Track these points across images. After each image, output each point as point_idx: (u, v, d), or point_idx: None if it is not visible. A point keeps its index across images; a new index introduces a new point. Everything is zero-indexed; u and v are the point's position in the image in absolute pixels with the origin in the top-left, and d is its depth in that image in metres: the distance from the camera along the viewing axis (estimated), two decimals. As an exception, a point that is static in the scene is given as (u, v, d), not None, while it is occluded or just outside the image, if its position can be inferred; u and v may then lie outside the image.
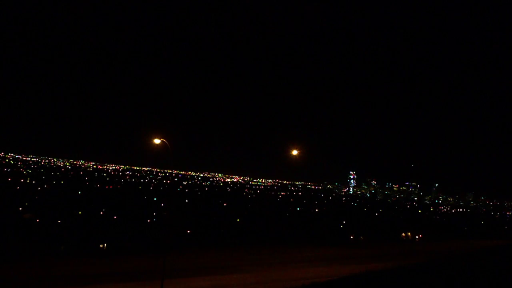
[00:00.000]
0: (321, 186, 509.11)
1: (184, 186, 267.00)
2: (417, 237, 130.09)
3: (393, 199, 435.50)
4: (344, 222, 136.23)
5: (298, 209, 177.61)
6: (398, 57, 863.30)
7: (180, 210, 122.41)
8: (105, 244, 74.08)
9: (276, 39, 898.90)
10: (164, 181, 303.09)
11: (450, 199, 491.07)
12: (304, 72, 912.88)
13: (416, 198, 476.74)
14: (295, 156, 40.53)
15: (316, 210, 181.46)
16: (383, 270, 31.91)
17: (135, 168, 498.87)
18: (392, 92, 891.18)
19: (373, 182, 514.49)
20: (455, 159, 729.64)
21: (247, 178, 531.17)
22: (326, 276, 43.10)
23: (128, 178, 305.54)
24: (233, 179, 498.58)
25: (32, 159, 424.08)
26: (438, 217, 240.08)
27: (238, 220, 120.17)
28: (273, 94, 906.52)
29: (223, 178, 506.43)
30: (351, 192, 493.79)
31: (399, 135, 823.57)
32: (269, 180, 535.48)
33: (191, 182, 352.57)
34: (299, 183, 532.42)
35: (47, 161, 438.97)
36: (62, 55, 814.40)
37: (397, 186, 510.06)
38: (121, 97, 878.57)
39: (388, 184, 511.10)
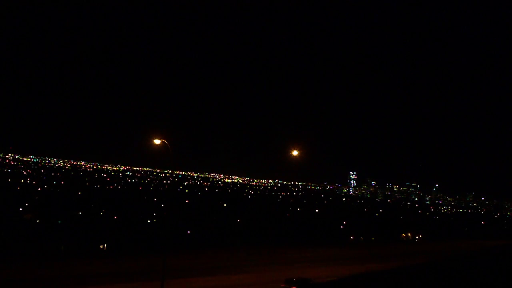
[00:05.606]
0: (321, 187, 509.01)
1: (184, 187, 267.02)
2: (417, 237, 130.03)
3: (393, 199, 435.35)
4: (344, 222, 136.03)
5: (298, 209, 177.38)
6: (398, 57, 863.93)
7: (180, 211, 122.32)
8: (105, 244, 74.04)
9: (276, 39, 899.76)
10: (164, 181, 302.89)
11: (450, 199, 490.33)
12: (304, 72, 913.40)
13: (416, 198, 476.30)
14: (295, 156, 40.56)
15: (317, 210, 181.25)
16: (383, 271, 31.90)
17: (135, 168, 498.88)
18: (393, 92, 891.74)
19: (373, 182, 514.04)
20: (455, 159, 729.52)
21: (247, 179, 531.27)
22: (326, 276, 43.13)
23: (128, 179, 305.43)
24: (233, 180, 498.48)
25: (33, 159, 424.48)
26: (438, 217, 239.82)
27: (238, 220, 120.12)
28: (274, 94, 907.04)
29: (223, 178, 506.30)
30: (351, 192, 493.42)
31: (399, 135, 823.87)
32: (270, 181, 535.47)
33: (191, 182, 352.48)
34: (300, 183, 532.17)
35: (47, 161, 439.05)
36: (63, 55, 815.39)
37: (397, 186, 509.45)
38: (122, 97, 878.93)
39: (388, 184, 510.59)
